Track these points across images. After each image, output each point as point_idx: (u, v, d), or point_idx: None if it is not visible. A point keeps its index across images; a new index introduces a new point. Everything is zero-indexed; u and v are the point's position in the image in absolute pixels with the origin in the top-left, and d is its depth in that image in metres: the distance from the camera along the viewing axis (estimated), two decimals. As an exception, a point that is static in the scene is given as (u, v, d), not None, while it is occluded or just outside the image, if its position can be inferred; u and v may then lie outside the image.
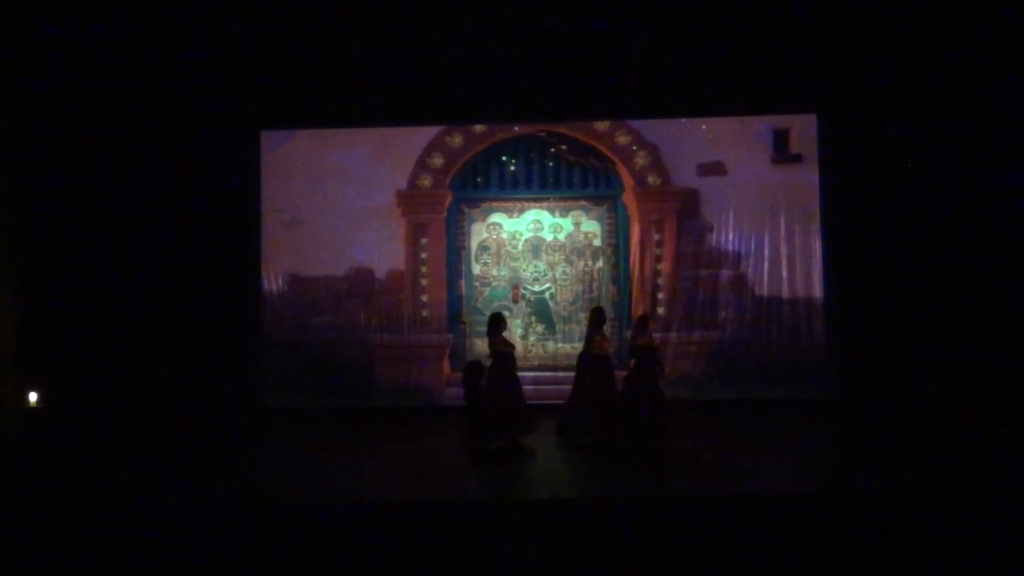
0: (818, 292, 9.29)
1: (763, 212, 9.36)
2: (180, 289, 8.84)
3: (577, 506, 5.70)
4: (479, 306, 9.61)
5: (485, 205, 9.67)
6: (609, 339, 7.81)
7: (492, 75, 8.99)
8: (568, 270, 9.59)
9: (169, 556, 5.05)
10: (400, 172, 9.54)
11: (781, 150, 9.42)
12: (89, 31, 8.10)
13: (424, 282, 9.55)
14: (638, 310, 9.38)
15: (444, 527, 5.40)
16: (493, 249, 9.65)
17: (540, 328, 9.50)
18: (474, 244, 9.65)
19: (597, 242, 9.62)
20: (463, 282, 9.62)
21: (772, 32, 8.54)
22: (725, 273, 9.38)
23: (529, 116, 9.45)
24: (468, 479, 6.48)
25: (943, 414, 7.90)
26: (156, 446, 7.73)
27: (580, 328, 9.46)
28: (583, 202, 9.66)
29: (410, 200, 9.54)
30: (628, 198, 9.55)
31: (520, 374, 9.25)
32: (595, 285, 9.58)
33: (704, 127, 9.51)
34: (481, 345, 9.54)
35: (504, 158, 9.64)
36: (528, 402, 7.67)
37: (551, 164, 9.61)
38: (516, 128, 9.58)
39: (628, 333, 9.43)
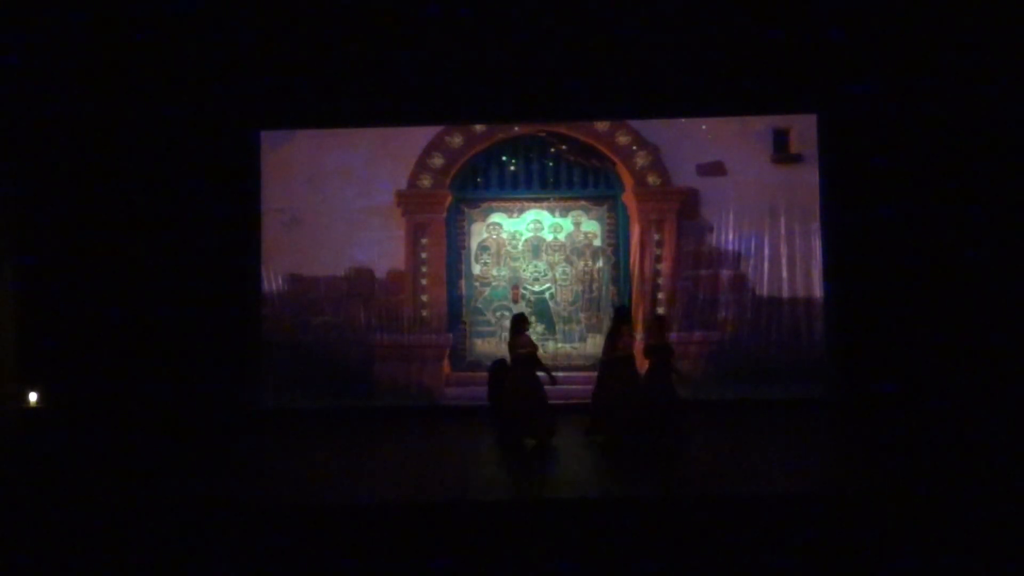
0: (818, 292, 9.29)
1: (763, 212, 9.35)
2: (180, 289, 8.84)
3: (577, 506, 5.69)
4: (479, 306, 9.61)
5: (485, 205, 9.66)
6: (634, 337, 7.72)
7: (492, 75, 8.99)
8: (568, 270, 9.59)
9: (169, 556, 5.04)
10: (400, 172, 9.53)
11: (781, 150, 9.42)
12: (89, 31, 8.11)
13: (424, 282, 9.55)
14: (638, 310, 9.39)
15: (444, 527, 5.40)
16: (493, 249, 9.65)
17: (540, 328, 9.49)
18: (474, 244, 9.65)
19: (597, 242, 9.62)
20: (463, 282, 9.61)
21: (772, 32, 8.54)
22: (725, 273, 9.38)
23: (529, 116, 9.45)
24: (468, 479, 6.47)
25: (943, 414, 7.90)
26: (156, 446, 7.73)
27: (580, 328, 9.47)
28: (583, 202, 9.66)
29: (410, 200, 9.53)
30: (628, 198, 9.55)
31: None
32: (595, 285, 9.58)
33: (704, 127, 9.51)
34: (481, 345, 9.56)
35: (504, 158, 9.64)
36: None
37: (551, 164, 9.61)
38: (516, 128, 9.58)
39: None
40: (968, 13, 7.96)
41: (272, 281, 9.45)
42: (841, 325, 9.03)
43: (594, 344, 9.48)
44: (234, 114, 9.12)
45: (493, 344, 9.54)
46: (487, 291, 9.62)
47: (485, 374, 9.37)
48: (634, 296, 9.44)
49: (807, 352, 9.21)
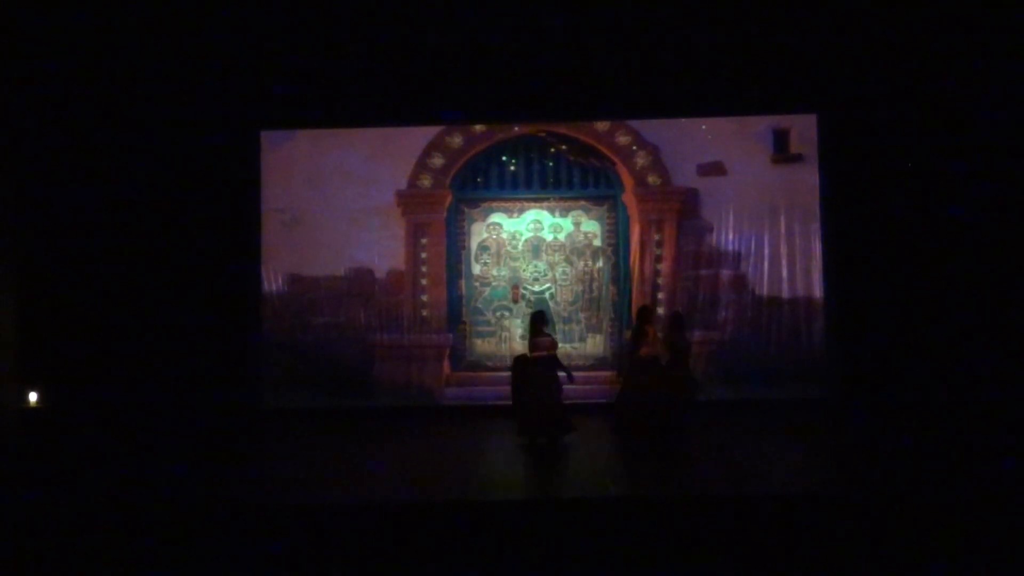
0: (818, 292, 9.29)
1: (763, 212, 9.35)
2: (180, 289, 8.84)
3: (577, 506, 5.69)
4: (479, 306, 9.61)
5: (485, 205, 9.66)
6: (658, 337, 7.69)
7: (492, 75, 8.99)
8: (568, 270, 9.59)
9: (169, 556, 5.04)
10: (400, 172, 9.53)
11: (781, 150, 9.42)
12: (89, 31, 8.11)
13: (424, 282, 9.55)
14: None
15: (444, 527, 5.40)
16: (493, 249, 9.65)
17: (540, 328, 9.48)
18: (474, 244, 9.65)
19: (597, 242, 9.62)
20: (463, 282, 9.61)
21: (772, 32, 8.54)
22: (725, 273, 9.38)
23: (529, 116, 9.45)
24: (468, 479, 6.47)
25: (943, 414, 7.91)
26: (156, 446, 7.73)
27: (580, 328, 9.47)
28: (583, 202, 9.66)
29: (410, 200, 9.53)
30: (628, 198, 9.55)
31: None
32: (595, 285, 9.58)
33: (704, 127, 9.50)
34: (481, 345, 9.57)
35: (504, 158, 9.63)
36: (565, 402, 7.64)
37: (551, 164, 9.61)
38: (516, 128, 9.57)
39: (629, 333, 9.46)
40: (968, 13, 7.95)
41: (272, 281, 9.45)
42: (841, 325, 9.03)
43: (594, 344, 9.49)
44: (234, 114, 9.12)
45: (493, 344, 9.55)
46: (487, 291, 9.62)
47: (485, 374, 9.44)
48: (634, 296, 9.44)
49: (807, 352, 9.21)
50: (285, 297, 9.45)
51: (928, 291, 8.56)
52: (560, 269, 9.59)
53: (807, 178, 9.35)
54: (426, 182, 9.55)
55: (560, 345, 9.38)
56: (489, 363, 9.53)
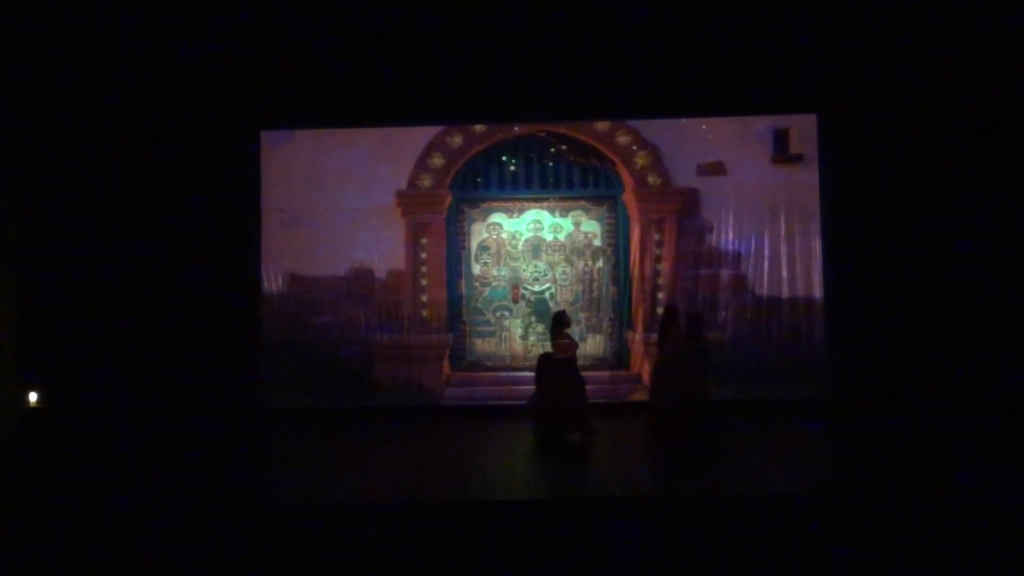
0: (818, 292, 9.29)
1: (763, 212, 9.35)
2: (180, 289, 8.84)
3: (578, 506, 5.69)
4: (479, 306, 9.61)
5: (485, 205, 9.66)
6: (683, 337, 7.65)
7: (492, 75, 8.99)
8: (568, 270, 9.59)
9: (169, 556, 5.04)
10: (400, 172, 9.53)
11: (781, 150, 9.41)
12: (89, 31, 8.11)
13: (424, 282, 9.55)
14: (638, 310, 9.39)
15: (444, 527, 5.40)
16: (493, 249, 9.65)
17: (540, 328, 9.49)
18: (474, 244, 9.65)
19: (597, 242, 9.62)
20: (463, 282, 9.61)
21: (772, 32, 8.54)
22: (725, 273, 9.37)
23: (529, 116, 9.45)
24: (468, 479, 6.47)
25: (943, 414, 7.90)
26: (156, 446, 7.74)
27: (580, 328, 9.46)
28: (583, 202, 9.66)
29: (410, 200, 9.53)
30: (628, 198, 9.55)
31: (520, 374, 9.38)
32: (595, 285, 9.58)
33: (704, 127, 9.50)
34: (481, 345, 9.57)
35: (504, 158, 9.63)
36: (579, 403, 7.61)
37: (551, 164, 9.61)
38: (516, 128, 9.57)
39: (630, 334, 9.47)
40: (968, 13, 7.95)
41: (272, 281, 9.45)
42: (841, 325, 9.02)
43: (594, 344, 9.49)
44: (234, 114, 9.12)
45: (493, 344, 9.55)
46: (487, 291, 9.62)
47: (485, 374, 9.45)
48: (634, 296, 9.44)
49: (807, 352, 9.21)
50: (285, 297, 9.45)
51: (928, 291, 8.56)
52: (560, 269, 9.59)
53: (807, 178, 9.35)
54: (426, 182, 9.55)
55: (560, 345, 9.44)
56: (489, 363, 9.53)
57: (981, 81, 8.31)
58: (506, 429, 8.33)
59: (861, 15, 8.27)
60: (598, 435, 7.51)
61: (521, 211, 9.64)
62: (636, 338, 9.39)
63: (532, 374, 9.31)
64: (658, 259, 9.46)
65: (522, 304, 9.55)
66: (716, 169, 9.41)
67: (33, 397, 8.33)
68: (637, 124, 9.50)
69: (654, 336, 9.21)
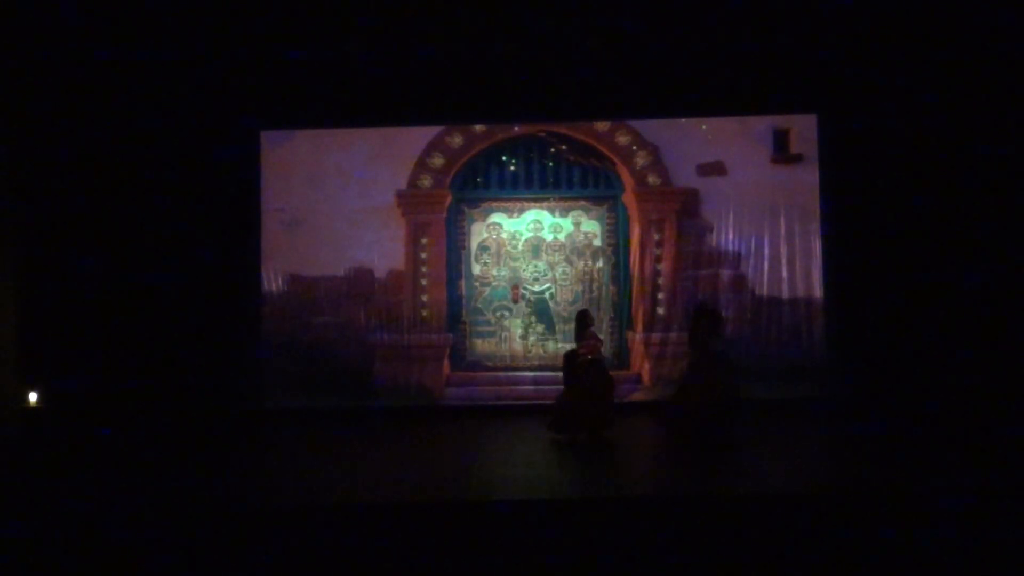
0: (818, 292, 9.29)
1: (763, 212, 9.35)
2: (180, 289, 8.84)
3: (577, 506, 5.69)
4: (479, 306, 9.61)
5: (485, 205, 9.66)
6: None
7: (492, 75, 8.99)
8: (568, 270, 9.59)
9: (169, 556, 5.04)
10: (400, 172, 9.53)
11: (781, 150, 9.42)
12: (88, 31, 8.11)
13: (424, 282, 9.55)
14: (638, 310, 9.38)
15: (444, 527, 5.40)
16: (493, 249, 9.65)
17: (540, 328, 9.50)
18: (474, 244, 9.65)
19: (597, 242, 9.62)
20: (463, 282, 9.61)
21: (772, 32, 8.54)
22: (725, 273, 9.37)
23: (529, 116, 9.45)
24: (468, 479, 6.46)
25: (944, 414, 7.90)
26: (156, 446, 7.73)
27: (580, 328, 9.45)
28: (583, 202, 9.66)
29: (410, 200, 9.53)
30: (628, 198, 9.55)
31: (520, 374, 9.39)
32: (595, 285, 9.58)
33: (704, 127, 9.50)
34: (481, 345, 9.57)
35: (504, 158, 9.63)
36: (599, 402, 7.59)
37: (551, 164, 9.61)
38: (516, 128, 9.58)
39: (630, 333, 9.46)
40: (968, 12, 7.95)
41: (272, 281, 9.45)
42: (841, 325, 9.03)
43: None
44: (234, 114, 9.12)
45: (493, 344, 9.55)
46: (487, 291, 9.62)
47: (485, 374, 9.46)
48: (634, 296, 9.44)
49: (807, 352, 9.21)
50: (285, 297, 9.45)
51: (928, 291, 8.56)
52: (560, 269, 9.59)
53: (807, 178, 9.35)
54: (426, 182, 9.55)
55: (559, 345, 9.45)
56: (489, 363, 9.53)
57: (981, 81, 8.31)
58: (506, 429, 8.33)
59: (861, 15, 8.26)
60: (607, 436, 7.50)
61: (521, 211, 9.64)
62: (636, 338, 9.39)
63: (532, 374, 9.41)
64: (658, 259, 9.46)
65: (522, 304, 9.55)
66: (716, 169, 9.41)
67: (33, 397, 8.33)
68: (637, 124, 9.50)
69: (654, 336, 9.26)
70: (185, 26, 8.22)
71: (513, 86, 9.05)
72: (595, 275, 9.59)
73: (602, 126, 9.56)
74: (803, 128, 9.38)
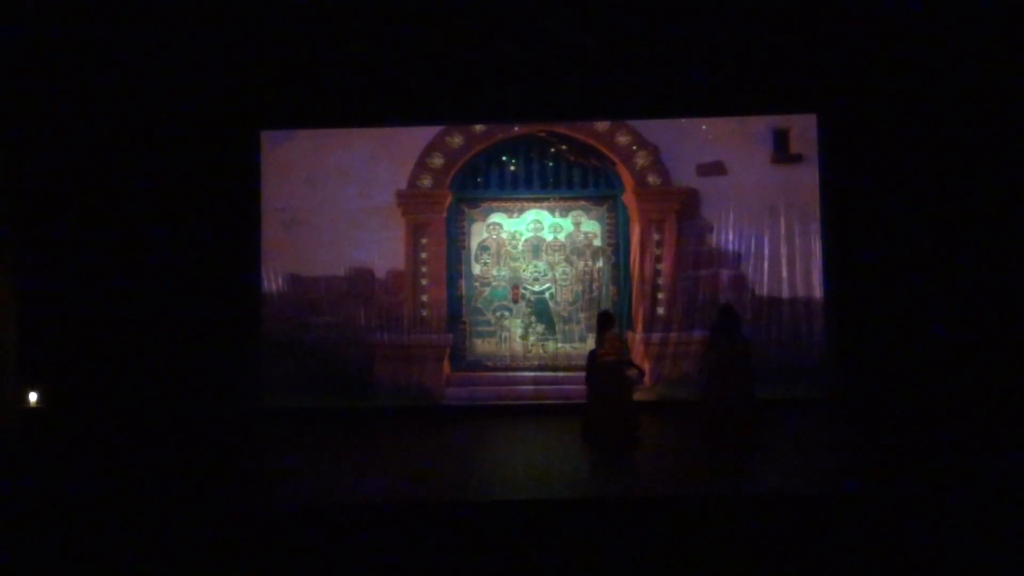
0: (818, 292, 9.29)
1: (763, 212, 9.35)
2: (180, 289, 8.84)
3: (577, 506, 5.70)
4: (479, 306, 9.61)
5: (485, 205, 9.66)
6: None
7: (492, 75, 8.99)
8: (568, 270, 9.59)
9: (169, 556, 5.04)
10: (400, 172, 9.53)
11: (781, 150, 9.42)
12: (88, 31, 8.10)
13: (424, 282, 9.55)
14: (638, 310, 9.38)
15: (444, 527, 5.40)
16: (493, 249, 9.65)
17: (540, 328, 9.50)
18: (474, 244, 9.65)
19: (597, 242, 9.62)
20: (463, 282, 9.61)
21: (772, 32, 8.54)
22: (725, 273, 9.37)
23: (529, 116, 9.45)
24: (469, 479, 6.47)
25: (944, 414, 7.90)
26: (156, 446, 7.73)
27: (580, 328, 9.47)
28: (583, 202, 9.66)
29: (410, 200, 9.53)
30: (628, 198, 9.55)
31: (520, 374, 9.39)
32: (595, 285, 9.58)
33: (704, 127, 9.50)
34: (481, 345, 9.58)
35: (504, 158, 9.64)
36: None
37: (551, 164, 9.61)
38: (516, 128, 9.57)
39: (630, 333, 9.46)
40: (968, 12, 7.95)
41: (272, 281, 9.45)
42: (841, 325, 9.03)
43: (594, 344, 9.46)
44: (234, 114, 9.11)
45: (493, 344, 9.55)
46: (487, 291, 9.62)
47: (485, 374, 9.46)
48: (634, 296, 9.44)
49: (807, 352, 9.21)
50: (285, 297, 9.44)
51: (928, 291, 8.56)
52: (560, 269, 9.59)
53: (807, 178, 9.35)
54: (426, 182, 9.55)
55: (559, 345, 9.46)
56: (489, 363, 9.53)
57: (981, 81, 8.31)
58: (506, 429, 8.34)
59: (861, 15, 8.26)
60: (636, 436, 7.43)
61: (521, 211, 9.64)
62: (636, 338, 9.39)
63: (532, 374, 9.42)
64: (658, 259, 9.46)
65: (522, 304, 9.55)
66: (716, 169, 9.41)
67: (33, 397, 8.33)
68: (637, 124, 9.50)
69: (654, 336, 9.27)
70: (185, 26, 8.21)
71: (513, 86, 9.05)
72: (595, 275, 9.59)
73: (602, 126, 9.56)
74: (803, 128, 9.38)
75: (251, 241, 9.34)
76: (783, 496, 5.75)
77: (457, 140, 9.57)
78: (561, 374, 9.39)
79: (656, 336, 9.30)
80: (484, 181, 9.64)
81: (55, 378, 8.44)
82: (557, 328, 9.52)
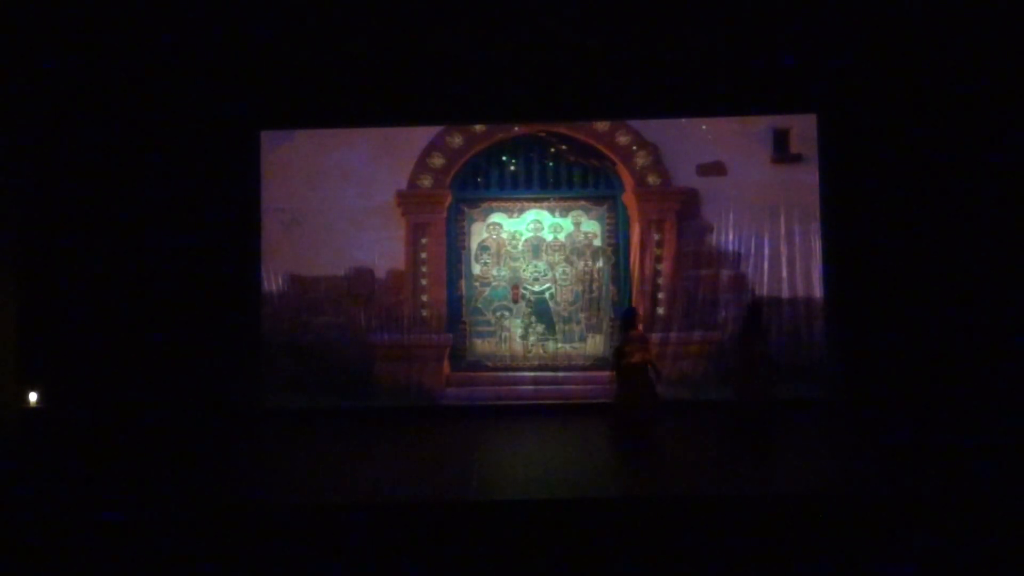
0: (818, 292, 9.29)
1: (763, 212, 9.35)
2: (180, 289, 8.84)
3: (577, 506, 5.69)
4: (479, 306, 9.61)
5: (485, 205, 9.66)
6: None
7: (492, 75, 8.98)
8: (568, 270, 9.59)
9: (169, 556, 5.04)
10: (400, 172, 9.53)
11: (781, 150, 9.42)
12: (89, 31, 8.10)
13: (424, 282, 9.55)
14: (638, 311, 9.35)
15: (444, 527, 5.40)
16: (493, 249, 9.65)
17: (540, 328, 9.50)
18: (474, 244, 9.65)
19: (597, 242, 9.62)
20: (463, 282, 9.61)
21: (772, 32, 8.54)
22: (725, 273, 9.38)
23: (529, 116, 9.45)
24: (469, 479, 6.47)
25: (944, 414, 7.90)
26: (156, 446, 7.73)
27: (580, 328, 9.47)
28: (583, 202, 9.66)
29: (410, 200, 9.53)
30: (628, 198, 9.55)
31: (520, 374, 9.39)
32: (595, 285, 9.58)
33: (704, 127, 9.50)
34: (481, 345, 9.58)
35: (504, 158, 9.64)
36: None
37: (551, 164, 9.61)
38: (516, 128, 9.58)
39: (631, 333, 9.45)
40: (968, 13, 7.95)
41: (272, 281, 9.45)
42: (841, 325, 9.02)
43: (594, 344, 9.48)
44: (234, 114, 9.11)
45: (493, 344, 9.55)
46: (487, 291, 9.62)
47: (485, 374, 9.46)
48: (634, 296, 9.44)
49: (807, 352, 9.21)
50: (285, 297, 9.44)
51: (928, 291, 8.56)
52: (560, 269, 9.59)
53: (807, 178, 9.35)
54: (426, 182, 9.55)
55: (559, 345, 9.45)
56: (489, 363, 9.53)
57: (981, 80, 8.31)
58: (506, 429, 8.34)
59: (861, 15, 8.26)
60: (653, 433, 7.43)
61: (521, 211, 9.64)
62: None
63: (532, 374, 9.42)
64: (658, 259, 9.46)
65: (522, 304, 9.55)
66: (716, 169, 9.42)
67: (33, 397, 8.33)
68: (637, 124, 9.50)
69: (654, 336, 9.25)
70: (185, 26, 8.21)
71: (513, 86, 9.05)
72: (595, 275, 9.59)
73: (602, 126, 9.56)
74: (803, 128, 9.39)
75: (251, 241, 9.34)
76: (783, 496, 5.75)
77: (457, 140, 9.57)
78: (561, 374, 9.39)
79: (656, 336, 9.29)
80: (484, 181, 9.64)
81: (55, 378, 8.44)
82: (557, 328, 9.52)
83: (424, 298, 9.53)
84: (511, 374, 9.46)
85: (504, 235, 9.63)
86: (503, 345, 9.56)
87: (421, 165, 9.55)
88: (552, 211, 9.63)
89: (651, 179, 9.50)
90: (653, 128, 9.50)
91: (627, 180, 9.54)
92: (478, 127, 9.57)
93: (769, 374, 7.39)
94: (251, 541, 5.23)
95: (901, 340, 8.59)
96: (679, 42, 8.68)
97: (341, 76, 8.98)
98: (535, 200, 9.62)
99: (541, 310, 9.55)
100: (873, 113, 8.83)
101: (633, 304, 9.37)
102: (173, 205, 8.92)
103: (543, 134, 9.59)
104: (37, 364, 8.41)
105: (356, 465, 6.93)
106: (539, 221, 9.63)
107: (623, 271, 9.53)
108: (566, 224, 9.63)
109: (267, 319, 9.38)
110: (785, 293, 9.33)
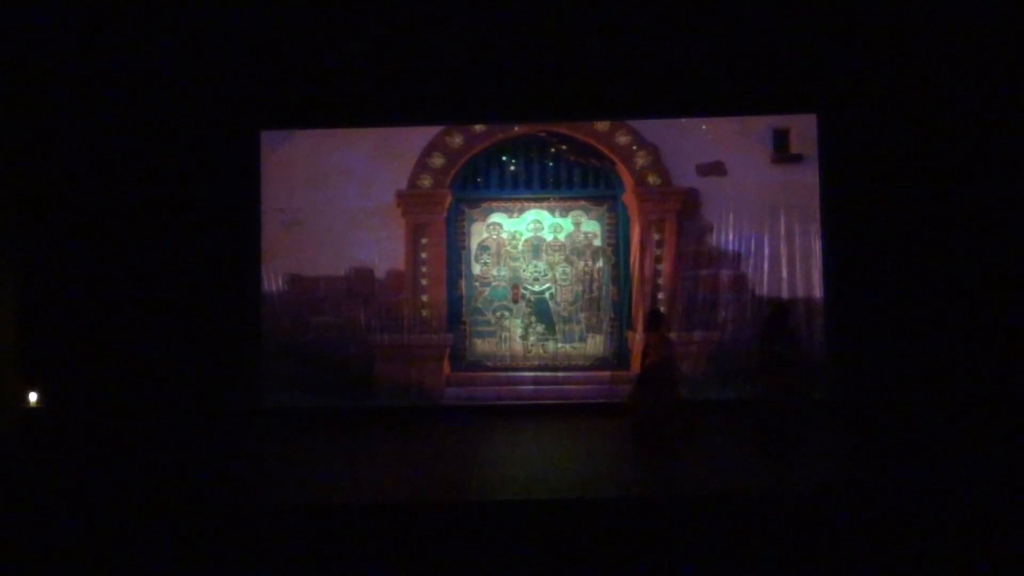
0: (818, 292, 9.28)
1: (763, 212, 9.34)
2: (180, 289, 8.84)
3: (577, 506, 5.69)
4: (479, 306, 9.61)
5: (485, 205, 9.66)
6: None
7: (492, 75, 8.98)
8: (568, 270, 9.59)
9: (169, 556, 5.04)
10: (400, 172, 9.53)
11: (781, 150, 9.41)
12: (89, 31, 8.11)
13: (424, 282, 9.55)
14: (638, 310, 9.37)
15: (444, 527, 5.40)
16: (493, 249, 9.65)
17: (540, 328, 9.50)
18: (474, 244, 9.65)
19: (597, 242, 9.62)
20: (463, 282, 9.61)
21: (772, 32, 8.54)
22: (725, 273, 9.37)
23: (529, 116, 9.45)
24: (469, 479, 6.47)
25: (944, 414, 7.90)
26: (156, 446, 7.73)
27: (580, 328, 9.47)
28: (583, 202, 9.66)
29: (410, 200, 9.53)
30: (628, 198, 9.55)
31: (520, 374, 9.39)
32: (595, 285, 9.58)
33: (704, 127, 9.50)
34: (481, 345, 9.57)
35: (504, 158, 9.63)
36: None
37: (551, 164, 9.61)
38: (516, 128, 9.57)
39: (630, 333, 9.46)
40: (968, 13, 7.95)
41: (272, 281, 9.45)
42: (841, 325, 9.02)
43: (594, 344, 9.48)
44: (234, 114, 9.12)
45: (493, 344, 9.55)
46: (487, 291, 9.62)
47: (485, 374, 9.46)
48: (634, 296, 9.44)
49: (807, 352, 9.18)
50: (285, 297, 9.44)
51: (928, 291, 8.56)
52: (560, 269, 9.59)
53: (807, 178, 9.34)
54: (426, 182, 9.55)
55: (559, 345, 9.45)
56: (489, 363, 9.53)
57: (981, 80, 8.31)
58: (506, 429, 8.34)
59: (861, 15, 8.26)
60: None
61: (521, 211, 9.64)
62: (636, 338, 9.37)
63: (532, 374, 9.42)
64: (658, 259, 9.46)
65: (522, 304, 9.55)
66: (716, 169, 9.41)
67: (33, 397, 8.33)
68: (637, 124, 9.50)
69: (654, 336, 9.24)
70: (185, 26, 8.21)
71: (513, 86, 9.05)
72: (595, 275, 9.59)
73: (602, 126, 9.56)
74: (803, 128, 9.38)
75: (251, 241, 9.34)
76: (783, 496, 5.75)
77: (457, 140, 9.57)
78: (561, 374, 9.39)
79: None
80: (484, 181, 9.64)
81: (55, 378, 8.44)
82: (557, 328, 9.51)
83: (424, 298, 9.53)
84: (511, 374, 9.45)
85: (504, 235, 9.63)
86: (503, 345, 9.56)
87: (421, 165, 9.55)
88: (552, 211, 9.63)
89: (651, 179, 9.50)
90: (653, 128, 9.49)
91: (627, 180, 9.54)
92: (478, 127, 9.57)
93: (795, 375, 7.37)
94: (251, 541, 5.23)
95: (901, 340, 8.59)
96: (679, 42, 8.68)
97: (341, 76, 8.97)
98: (535, 200, 9.62)
99: (541, 310, 9.54)
100: (873, 113, 8.83)
101: (633, 303, 9.40)
102: (173, 205, 8.92)
103: (543, 134, 9.59)
104: (37, 364, 8.41)
105: (356, 465, 6.93)
106: (539, 221, 9.63)
107: (623, 271, 9.53)
108: (566, 224, 9.62)
109: (267, 319, 9.38)
110: (785, 293, 9.32)
